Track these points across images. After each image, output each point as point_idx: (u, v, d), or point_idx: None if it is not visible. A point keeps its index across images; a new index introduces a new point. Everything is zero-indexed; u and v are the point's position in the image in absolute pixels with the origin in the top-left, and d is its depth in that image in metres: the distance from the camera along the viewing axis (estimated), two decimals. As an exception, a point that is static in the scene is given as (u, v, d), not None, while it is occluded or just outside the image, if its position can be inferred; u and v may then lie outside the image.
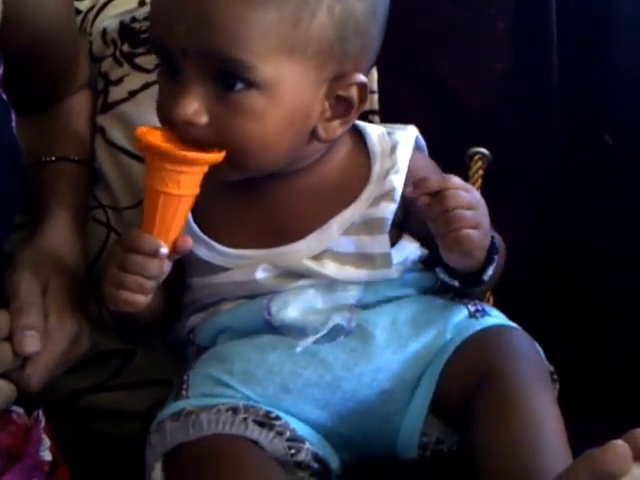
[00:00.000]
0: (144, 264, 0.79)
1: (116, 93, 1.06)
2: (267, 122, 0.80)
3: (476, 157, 0.98)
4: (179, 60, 0.79)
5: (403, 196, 0.87)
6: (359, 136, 0.91)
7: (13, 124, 0.92)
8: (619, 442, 0.65)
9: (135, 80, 1.05)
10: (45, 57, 0.99)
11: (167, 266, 0.82)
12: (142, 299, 0.80)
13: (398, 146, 0.89)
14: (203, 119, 0.79)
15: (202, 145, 0.80)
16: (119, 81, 1.06)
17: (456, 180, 0.82)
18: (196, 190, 0.81)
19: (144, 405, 0.98)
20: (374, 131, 0.91)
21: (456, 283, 0.87)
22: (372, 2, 0.82)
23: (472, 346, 0.85)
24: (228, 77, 0.78)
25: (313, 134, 0.84)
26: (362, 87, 0.84)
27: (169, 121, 0.80)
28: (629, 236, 1.01)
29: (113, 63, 1.07)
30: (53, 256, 0.92)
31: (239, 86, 0.78)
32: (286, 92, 0.80)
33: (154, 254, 0.79)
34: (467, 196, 0.82)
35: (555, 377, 0.89)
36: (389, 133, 0.91)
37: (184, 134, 0.80)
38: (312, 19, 0.78)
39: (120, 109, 1.05)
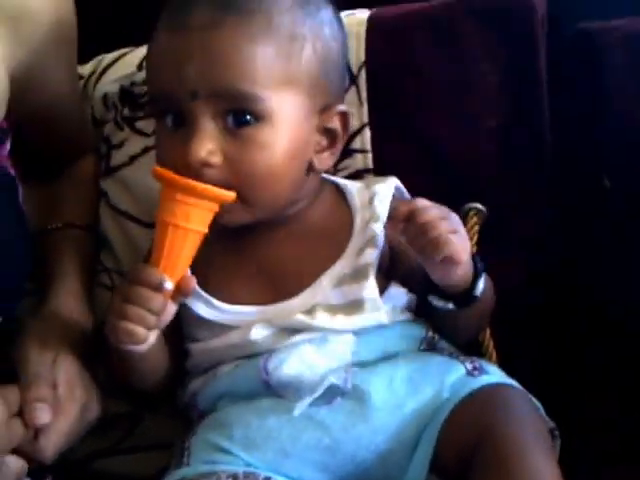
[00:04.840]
0: (148, 296, 0.81)
1: (118, 157, 1.08)
2: (276, 153, 0.85)
3: (471, 213, 0.99)
4: (187, 105, 0.83)
5: (388, 244, 0.90)
6: (340, 193, 0.95)
7: (20, 198, 0.95)
8: None
9: (135, 144, 1.07)
10: (51, 127, 1.01)
11: (172, 307, 0.85)
12: (142, 332, 0.82)
13: (376, 197, 0.92)
14: (217, 158, 0.83)
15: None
16: (120, 145, 1.08)
17: (423, 201, 0.85)
18: (204, 228, 0.84)
19: (152, 469, 0.98)
20: (353, 186, 0.95)
21: (450, 305, 0.87)
22: (342, 42, 0.91)
23: (469, 406, 0.84)
24: (239, 112, 0.83)
25: (309, 167, 0.89)
26: (343, 116, 0.91)
27: (182, 167, 0.83)
28: (636, 291, 0.99)
29: (114, 127, 1.09)
30: (62, 325, 0.94)
31: (249, 120, 0.83)
32: (289, 123, 0.85)
33: (158, 287, 0.82)
34: (437, 210, 0.84)
35: (556, 433, 0.88)
36: (367, 186, 0.94)
37: (197, 178, 0.83)
38: (301, 54, 0.86)
39: (122, 173, 1.07)
